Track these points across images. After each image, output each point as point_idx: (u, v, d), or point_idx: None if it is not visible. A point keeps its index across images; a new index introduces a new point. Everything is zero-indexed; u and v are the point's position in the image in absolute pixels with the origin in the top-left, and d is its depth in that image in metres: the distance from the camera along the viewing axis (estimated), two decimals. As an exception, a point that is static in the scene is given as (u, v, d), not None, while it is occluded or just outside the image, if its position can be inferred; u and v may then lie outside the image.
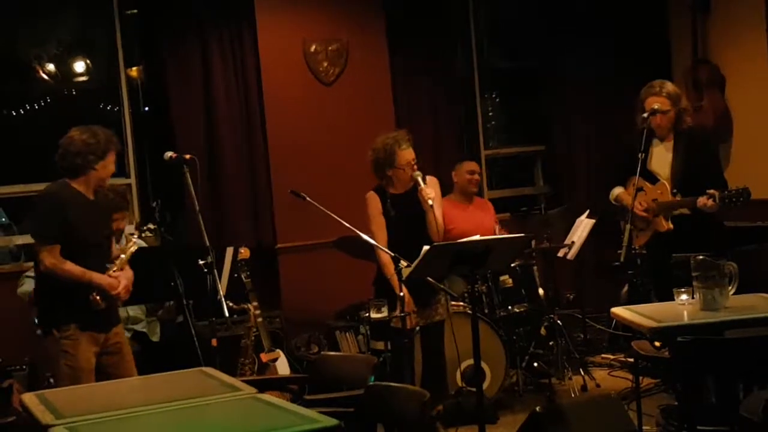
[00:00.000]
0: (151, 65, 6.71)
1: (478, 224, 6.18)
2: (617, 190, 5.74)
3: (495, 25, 7.95)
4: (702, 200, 5.25)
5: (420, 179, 5.00)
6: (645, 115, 5.42)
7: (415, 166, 5.05)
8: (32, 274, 5.37)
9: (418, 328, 5.15)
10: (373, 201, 5.16)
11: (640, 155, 5.37)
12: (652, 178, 5.54)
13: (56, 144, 4.51)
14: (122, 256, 4.59)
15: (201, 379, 3.64)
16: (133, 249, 4.66)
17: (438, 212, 5.03)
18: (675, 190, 5.45)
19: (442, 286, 4.57)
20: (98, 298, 4.42)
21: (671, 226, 5.46)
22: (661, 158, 5.54)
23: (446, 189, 6.08)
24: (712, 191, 5.21)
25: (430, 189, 4.97)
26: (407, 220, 5.08)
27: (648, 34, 7.79)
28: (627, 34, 7.64)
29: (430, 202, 4.92)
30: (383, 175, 5.14)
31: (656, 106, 5.42)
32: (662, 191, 5.48)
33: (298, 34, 6.78)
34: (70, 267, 4.38)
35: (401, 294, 4.71)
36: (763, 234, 6.44)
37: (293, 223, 6.56)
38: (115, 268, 4.52)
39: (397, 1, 7.11)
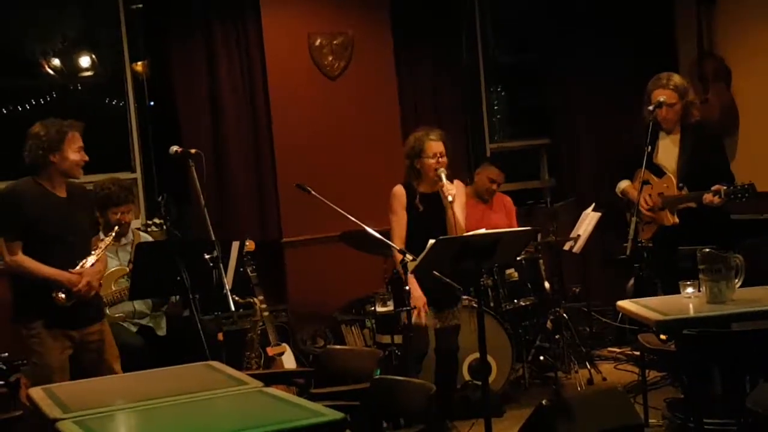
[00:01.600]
0: (156, 60, 6.70)
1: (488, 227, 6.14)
2: (623, 184, 5.72)
3: (500, 18, 7.92)
4: (708, 197, 5.23)
5: (443, 175, 5.02)
6: (651, 107, 5.39)
7: (441, 161, 5.07)
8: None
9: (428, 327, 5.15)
10: (399, 195, 5.18)
11: (646, 148, 5.35)
12: (659, 171, 5.52)
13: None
14: (92, 253, 4.51)
15: (207, 373, 3.64)
16: (106, 243, 4.61)
17: (460, 215, 5.03)
18: (681, 184, 5.42)
19: (447, 280, 4.56)
20: (61, 295, 4.35)
21: (677, 220, 5.44)
22: (668, 152, 5.51)
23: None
24: (717, 187, 5.19)
25: (452, 186, 4.98)
26: (432, 219, 5.08)
27: (653, 26, 7.75)
28: (632, 27, 7.61)
29: (450, 198, 4.93)
30: (412, 168, 5.17)
31: (662, 99, 5.39)
32: (668, 185, 5.46)
33: (303, 27, 6.77)
34: (27, 264, 4.31)
35: (407, 288, 4.72)
36: (769, 227, 6.43)
37: (299, 217, 6.56)
38: (81, 264, 4.44)
39: (402, -6, 7.11)
